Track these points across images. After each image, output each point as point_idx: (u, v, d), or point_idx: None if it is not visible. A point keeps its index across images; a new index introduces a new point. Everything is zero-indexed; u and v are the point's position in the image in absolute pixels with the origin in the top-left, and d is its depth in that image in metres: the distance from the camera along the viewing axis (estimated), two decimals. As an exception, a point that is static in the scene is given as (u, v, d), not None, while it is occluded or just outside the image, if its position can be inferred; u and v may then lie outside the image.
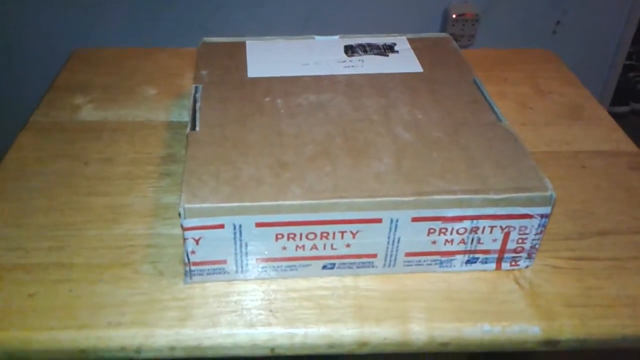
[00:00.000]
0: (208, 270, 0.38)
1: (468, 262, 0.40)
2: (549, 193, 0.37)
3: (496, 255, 0.40)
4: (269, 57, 0.52)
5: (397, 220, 0.37)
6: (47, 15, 1.18)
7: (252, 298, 0.38)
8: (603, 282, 0.40)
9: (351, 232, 0.37)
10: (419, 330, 0.37)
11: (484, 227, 0.38)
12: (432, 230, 0.37)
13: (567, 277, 0.40)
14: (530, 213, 0.37)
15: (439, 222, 0.37)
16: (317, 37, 0.55)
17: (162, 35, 1.17)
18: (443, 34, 0.56)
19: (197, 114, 0.43)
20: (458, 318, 0.37)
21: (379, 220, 0.36)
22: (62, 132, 0.53)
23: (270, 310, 0.37)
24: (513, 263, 0.40)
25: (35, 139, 0.52)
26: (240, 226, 0.36)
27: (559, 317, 0.38)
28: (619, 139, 0.54)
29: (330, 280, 0.39)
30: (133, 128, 0.54)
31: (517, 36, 1.23)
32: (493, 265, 0.40)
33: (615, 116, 0.57)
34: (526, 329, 0.37)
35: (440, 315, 0.37)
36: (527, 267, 0.40)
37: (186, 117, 0.54)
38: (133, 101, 0.57)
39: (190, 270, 0.38)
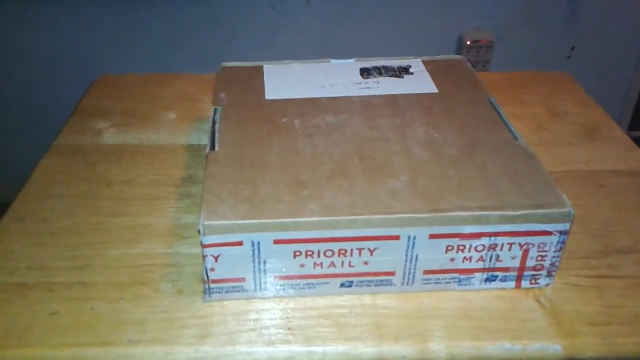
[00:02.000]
0: (227, 288, 0.38)
1: (487, 280, 0.40)
2: (567, 209, 0.37)
3: (515, 273, 0.39)
4: (286, 80, 0.53)
5: (414, 237, 0.37)
6: (72, 43, 1.22)
7: (271, 316, 0.38)
8: (624, 300, 0.40)
9: (369, 249, 0.37)
10: (439, 349, 0.36)
11: (502, 244, 0.38)
12: (449, 248, 0.37)
13: (587, 295, 0.40)
14: (549, 230, 0.37)
15: (457, 239, 0.37)
16: (333, 61, 0.56)
17: (181, 63, 1.20)
18: (457, 56, 0.57)
19: (216, 135, 0.44)
20: (478, 336, 0.37)
21: (397, 237, 0.37)
22: (85, 155, 0.54)
23: (289, 329, 0.37)
24: (533, 281, 0.40)
25: (58, 162, 0.53)
26: (258, 243, 0.36)
27: (581, 336, 0.37)
28: (637, 158, 0.53)
29: (348, 299, 0.39)
30: (153, 151, 0.55)
31: (532, 62, 1.24)
32: (513, 284, 0.40)
33: (634, 140, 0.57)
34: (547, 347, 0.37)
35: (460, 334, 0.37)
36: (547, 285, 0.40)
37: (205, 140, 0.55)
38: (153, 125, 0.58)
39: (209, 288, 0.38)
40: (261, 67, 0.55)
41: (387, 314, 0.39)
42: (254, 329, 0.37)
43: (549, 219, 0.37)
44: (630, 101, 1.29)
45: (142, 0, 1.16)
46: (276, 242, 0.36)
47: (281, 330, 0.37)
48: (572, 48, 1.24)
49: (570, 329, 0.38)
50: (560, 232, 0.37)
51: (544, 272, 0.39)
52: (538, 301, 0.40)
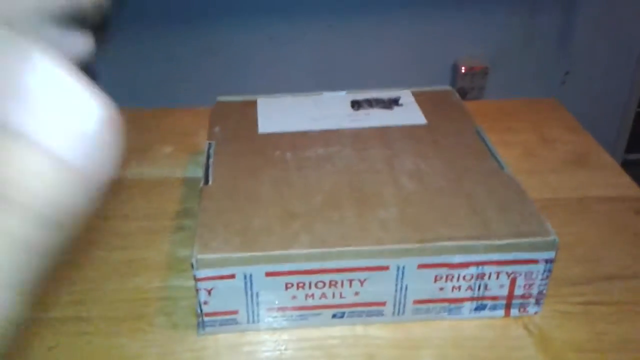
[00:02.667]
0: (220, 321, 0.39)
1: (477, 309, 0.40)
2: (551, 238, 0.38)
3: (504, 302, 0.40)
4: (278, 114, 0.54)
5: (403, 268, 0.37)
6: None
7: (264, 348, 0.39)
8: (613, 327, 0.40)
9: (359, 280, 0.38)
10: (430, 378, 0.37)
11: (490, 273, 0.38)
12: (438, 277, 0.38)
13: (576, 322, 0.41)
14: (535, 258, 0.38)
15: (445, 269, 0.38)
16: (326, 93, 0.57)
17: (178, 95, 1.22)
18: (446, 87, 0.58)
19: (210, 169, 0.45)
20: (468, 365, 0.38)
21: (386, 268, 0.37)
22: (82, 190, 0.55)
23: (282, 360, 0.38)
24: (522, 309, 0.40)
25: (56, 197, 0.54)
26: (250, 276, 0.37)
27: (570, 363, 0.38)
28: (625, 184, 0.54)
29: (340, 329, 0.40)
30: (149, 185, 0.56)
31: (526, 87, 1.25)
32: (502, 312, 0.40)
33: (631, 163, 0.58)
34: (537, 375, 0.37)
35: (451, 363, 0.38)
36: (536, 313, 0.41)
37: (201, 173, 0.56)
38: (150, 159, 0.60)
39: (203, 322, 0.39)
40: (255, 101, 0.56)
41: (379, 344, 0.39)
42: (247, 361, 0.38)
43: (535, 248, 0.38)
44: (626, 124, 1.31)
45: (139, 33, 1.18)
46: (268, 274, 0.37)
47: (274, 362, 0.38)
48: (567, 73, 1.26)
49: (560, 356, 0.38)
50: (546, 261, 0.38)
51: (532, 300, 0.40)
52: (527, 329, 0.40)
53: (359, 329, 0.40)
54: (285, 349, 0.39)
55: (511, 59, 1.23)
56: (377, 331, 0.40)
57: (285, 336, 0.40)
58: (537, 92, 1.25)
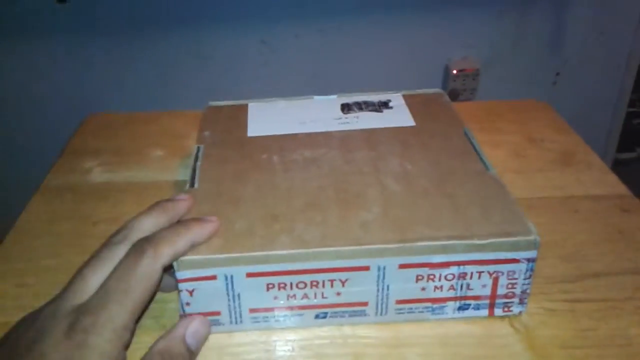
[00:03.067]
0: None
1: (460, 308, 0.40)
2: (532, 237, 0.38)
3: (487, 301, 0.40)
4: (268, 117, 0.54)
5: (384, 268, 0.38)
6: (62, 82, 1.24)
7: (252, 349, 0.39)
8: (598, 323, 0.40)
9: (340, 280, 0.38)
10: (415, 377, 0.37)
11: (472, 273, 0.39)
12: (420, 277, 0.38)
13: (562, 320, 0.41)
14: (516, 257, 0.38)
15: (426, 269, 0.38)
16: (316, 97, 0.58)
17: (171, 99, 1.22)
18: (436, 90, 0.59)
19: (197, 172, 0.45)
20: (455, 363, 0.38)
21: (367, 268, 0.38)
22: (72, 194, 0.55)
23: (270, 361, 0.38)
24: (506, 309, 0.41)
25: (46, 201, 0.54)
26: (231, 277, 0.37)
27: (556, 359, 0.38)
28: (611, 183, 0.55)
29: (329, 329, 0.40)
30: (140, 188, 0.56)
31: (518, 88, 1.26)
32: (485, 312, 0.41)
33: (622, 162, 0.58)
34: (522, 372, 0.37)
35: (437, 361, 0.38)
36: (520, 312, 0.41)
37: (191, 176, 0.57)
38: (140, 163, 0.60)
39: (187, 323, 0.39)
40: (246, 106, 0.56)
41: (366, 343, 0.39)
42: (236, 363, 0.38)
43: (516, 247, 0.38)
44: (617, 123, 1.31)
45: (133, 38, 1.19)
46: (249, 275, 0.37)
47: (262, 363, 0.38)
48: (557, 74, 1.27)
49: (545, 353, 0.38)
50: (528, 260, 0.38)
51: (515, 300, 0.40)
52: (513, 326, 0.40)
53: (347, 329, 0.40)
54: (273, 350, 0.39)
55: (502, 61, 1.23)
56: (364, 331, 0.40)
57: (274, 337, 0.40)
58: (529, 93, 1.26)
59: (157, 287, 0.36)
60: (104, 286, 0.34)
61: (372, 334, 0.40)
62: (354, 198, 0.42)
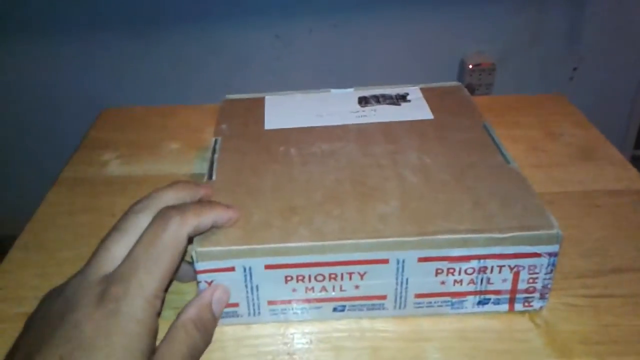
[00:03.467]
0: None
1: (480, 303, 0.40)
2: (554, 231, 0.37)
3: (508, 296, 0.40)
4: (285, 110, 0.54)
5: (403, 261, 0.37)
6: (79, 76, 1.25)
7: (270, 341, 0.39)
8: (620, 319, 0.40)
9: (359, 273, 0.38)
10: (435, 370, 0.37)
11: (492, 267, 0.38)
12: (439, 271, 0.38)
13: (583, 315, 0.40)
14: (538, 252, 0.38)
15: (446, 262, 0.38)
16: (333, 90, 0.57)
17: (187, 94, 1.23)
18: (455, 83, 0.58)
19: (215, 165, 0.45)
20: (474, 357, 0.38)
21: (386, 261, 0.37)
22: (90, 187, 0.55)
23: (288, 354, 0.38)
24: (526, 304, 0.40)
25: (64, 194, 0.55)
26: (250, 269, 0.37)
27: (576, 355, 0.37)
28: (632, 178, 0.54)
29: (347, 322, 0.40)
30: (157, 181, 0.55)
31: (534, 84, 1.25)
32: (506, 307, 0.40)
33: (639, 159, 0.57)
34: (543, 367, 0.37)
35: (456, 355, 0.38)
36: (540, 308, 0.40)
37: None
38: (157, 156, 0.60)
39: (205, 314, 0.39)
40: (263, 99, 0.56)
41: (384, 337, 0.39)
42: (253, 355, 0.38)
43: (537, 241, 0.37)
44: (634, 120, 1.30)
45: (148, 33, 1.19)
46: (267, 267, 0.37)
47: (280, 355, 0.38)
48: (575, 69, 1.25)
49: (566, 349, 0.38)
50: (550, 254, 0.38)
51: (536, 295, 0.40)
52: (534, 321, 0.40)
53: (365, 322, 0.40)
54: (291, 342, 0.39)
55: (519, 55, 1.22)
56: (382, 324, 0.40)
57: (291, 329, 0.40)
58: (545, 89, 1.25)
59: (183, 256, 0.35)
60: (131, 255, 0.33)
61: (390, 328, 0.40)
62: (372, 191, 0.41)
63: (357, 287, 0.38)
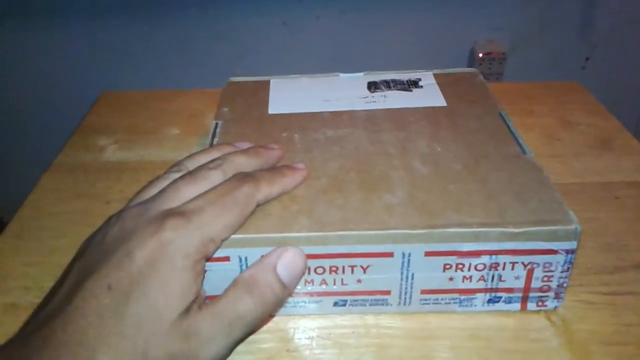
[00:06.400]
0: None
1: (490, 301, 0.38)
2: (573, 226, 0.35)
3: (520, 294, 0.37)
4: (291, 94, 0.52)
5: (409, 255, 0.35)
6: (79, 59, 1.23)
7: (268, 337, 0.37)
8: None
9: (361, 266, 0.35)
10: (444, 371, 0.35)
11: (504, 263, 0.36)
12: (448, 266, 0.36)
13: (601, 313, 0.38)
14: (554, 248, 0.35)
15: (455, 257, 0.35)
16: (342, 75, 0.55)
17: (191, 79, 1.21)
18: (470, 69, 0.56)
19: None
20: (486, 357, 0.35)
21: (390, 254, 0.35)
22: (85, 173, 0.53)
23: (287, 350, 0.36)
24: (540, 303, 0.38)
25: (58, 179, 0.53)
26: (246, 259, 0.35)
27: (595, 356, 0.35)
28: (653, 169, 0.51)
29: (350, 318, 0.38)
30: (154, 167, 0.54)
31: (545, 73, 1.22)
32: (518, 306, 0.38)
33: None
34: (559, 369, 0.35)
35: (467, 355, 0.35)
36: (555, 308, 0.38)
37: (207, 155, 0.55)
38: (156, 141, 0.58)
39: (199, 307, 0.37)
40: (268, 82, 0.54)
41: (390, 334, 0.37)
42: (250, 352, 0.36)
43: (554, 237, 0.35)
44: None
45: (152, 17, 1.17)
46: (264, 257, 0.35)
47: (280, 352, 0.36)
48: (587, 59, 1.22)
49: (584, 349, 0.36)
50: (567, 251, 0.35)
51: (551, 294, 0.37)
52: (549, 320, 0.38)
53: (370, 318, 0.38)
54: (292, 337, 0.37)
55: (530, 45, 1.19)
56: (388, 320, 0.38)
57: (291, 324, 0.38)
58: (557, 78, 1.22)
59: (245, 221, 0.34)
60: (201, 196, 0.33)
61: (396, 325, 0.37)
62: (378, 180, 0.39)
63: (359, 281, 0.36)
